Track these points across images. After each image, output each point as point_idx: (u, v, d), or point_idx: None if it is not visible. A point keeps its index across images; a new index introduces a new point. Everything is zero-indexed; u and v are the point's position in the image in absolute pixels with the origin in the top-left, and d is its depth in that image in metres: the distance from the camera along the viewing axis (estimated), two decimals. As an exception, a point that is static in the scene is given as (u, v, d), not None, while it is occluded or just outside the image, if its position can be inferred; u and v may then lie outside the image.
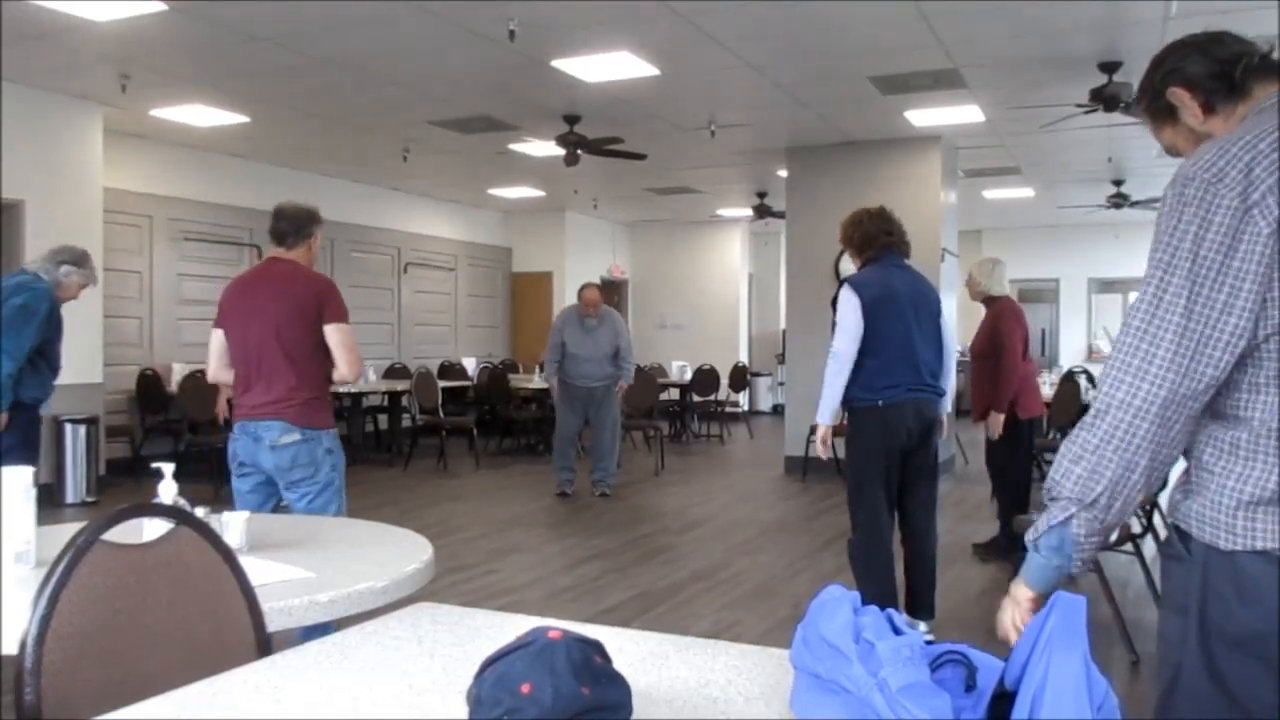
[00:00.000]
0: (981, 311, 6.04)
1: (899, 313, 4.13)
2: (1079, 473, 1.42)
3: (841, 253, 9.55)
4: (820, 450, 4.21)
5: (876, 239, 4.28)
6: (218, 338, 3.67)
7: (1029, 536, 1.51)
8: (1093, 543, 1.44)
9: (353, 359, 3.58)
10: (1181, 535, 1.46)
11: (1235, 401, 1.39)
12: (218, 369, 3.68)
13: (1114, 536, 1.52)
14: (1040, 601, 1.49)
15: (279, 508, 3.58)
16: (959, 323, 10.38)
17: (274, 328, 3.50)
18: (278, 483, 3.53)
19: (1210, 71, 1.59)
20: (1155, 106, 1.67)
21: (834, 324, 4.20)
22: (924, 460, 4.23)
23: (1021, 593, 1.51)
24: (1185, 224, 1.37)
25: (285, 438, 3.46)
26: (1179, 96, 1.62)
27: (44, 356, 4.73)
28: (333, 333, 3.54)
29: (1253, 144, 1.37)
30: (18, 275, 4.73)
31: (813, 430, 8.82)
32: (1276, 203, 1.32)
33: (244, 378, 3.57)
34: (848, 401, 4.23)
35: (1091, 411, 1.44)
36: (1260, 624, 1.34)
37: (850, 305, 4.11)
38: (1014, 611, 1.51)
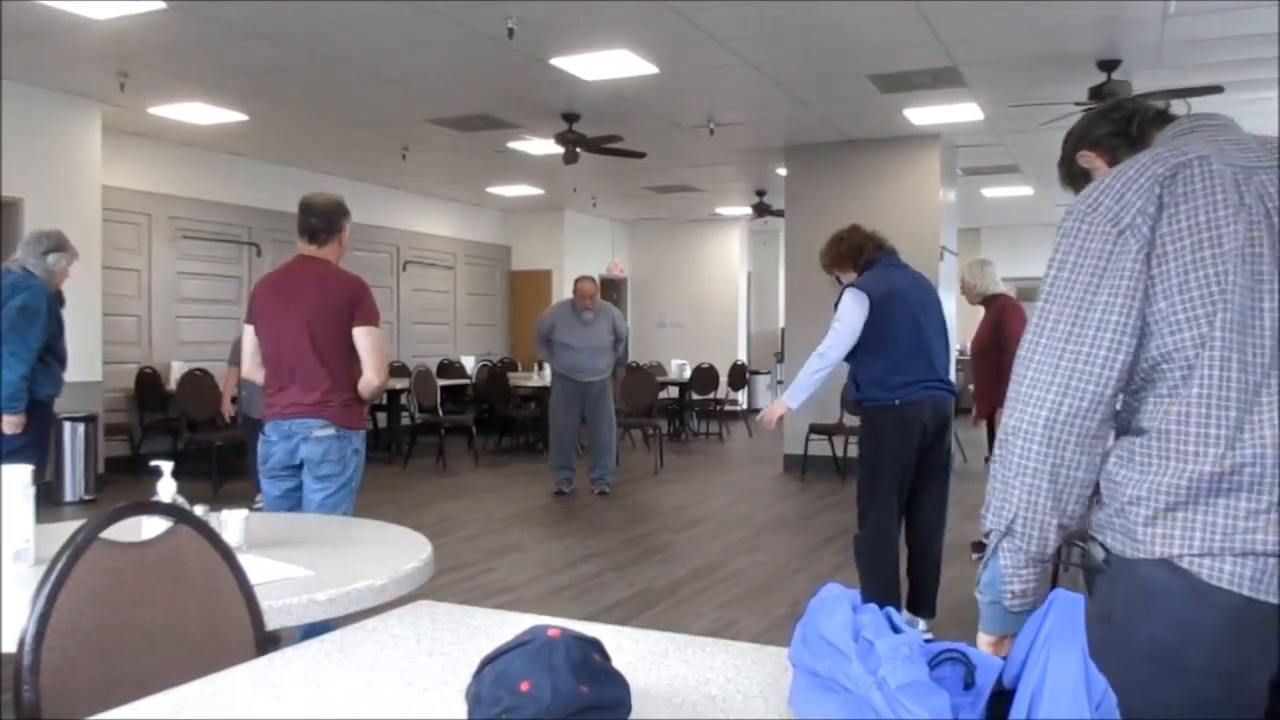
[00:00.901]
0: (981, 309, 6.04)
1: (907, 309, 4.12)
2: (995, 504, 1.48)
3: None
4: (767, 423, 4.31)
5: (864, 247, 4.29)
6: (250, 334, 3.66)
7: (976, 585, 1.55)
8: (1021, 576, 1.46)
9: (381, 364, 3.55)
10: (1104, 546, 1.48)
11: (1141, 415, 1.43)
12: (252, 367, 3.67)
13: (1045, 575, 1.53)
14: (1000, 646, 1.54)
15: None
16: (958, 322, 10.38)
17: (307, 329, 3.48)
18: (305, 474, 3.51)
19: (1111, 130, 1.72)
20: (1071, 173, 1.80)
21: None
22: (938, 458, 4.23)
23: (982, 640, 1.55)
24: (1063, 255, 1.47)
25: (321, 431, 3.46)
26: (1088, 159, 1.75)
27: (51, 352, 4.73)
28: (362, 336, 3.52)
29: (1124, 171, 1.45)
30: (7, 274, 4.69)
31: (814, 430, 8.90)
32: (1145, 221, 1.39)
33: (277, 377, 3.55)
34: (863, 401, 4.21)
35: (996, 443, 1.51)
36: (1163, 635, 1.36)
37: (855, 310, 4.07)
38: None
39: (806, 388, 4.18)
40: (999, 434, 1.49)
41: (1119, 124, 1.70)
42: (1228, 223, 1.37)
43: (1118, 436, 1.47)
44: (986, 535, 1.50)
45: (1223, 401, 1.34)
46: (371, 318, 3.55)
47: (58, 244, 4.77)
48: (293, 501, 3.55)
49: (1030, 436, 1.43)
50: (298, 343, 3.49)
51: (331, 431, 3.47)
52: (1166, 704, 1.35)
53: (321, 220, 3.63)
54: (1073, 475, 1.42)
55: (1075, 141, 1.77)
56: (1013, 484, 1.45)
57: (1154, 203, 1.40)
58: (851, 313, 4.09)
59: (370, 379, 3.53)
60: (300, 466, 3.51)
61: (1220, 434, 1.34)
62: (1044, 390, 1.42)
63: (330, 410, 3.47)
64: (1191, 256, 1.37)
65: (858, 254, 4.29)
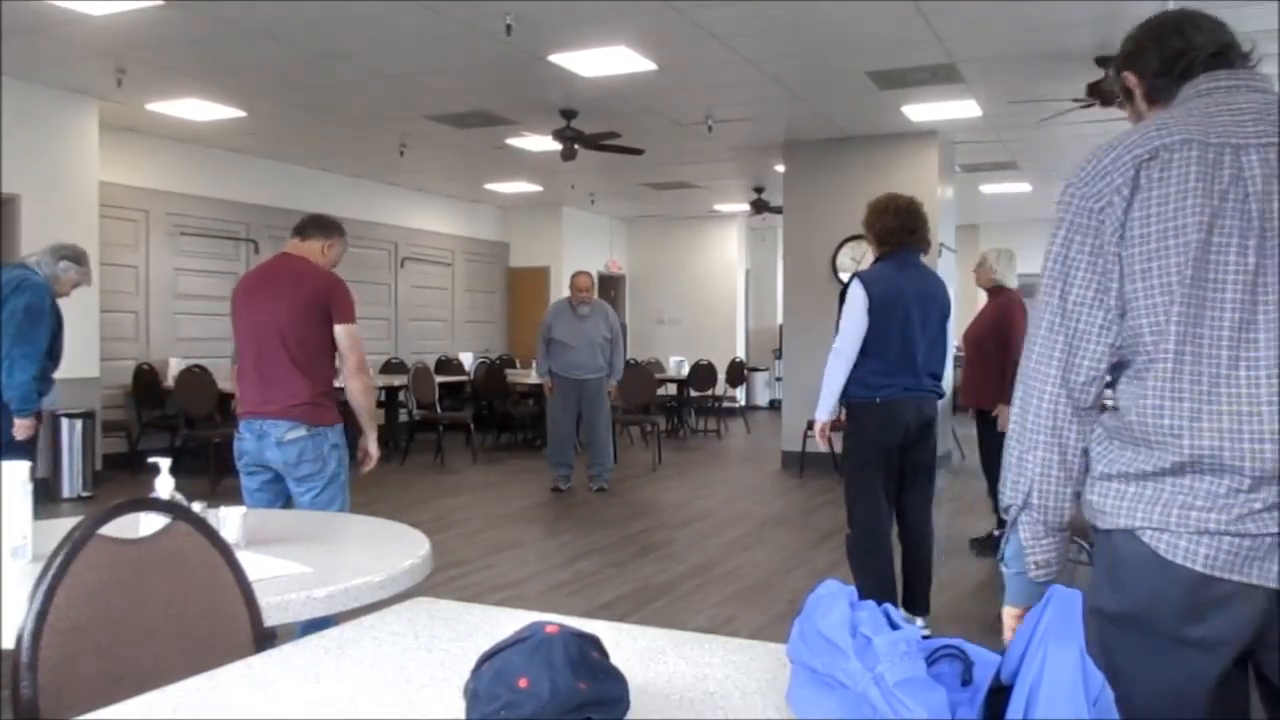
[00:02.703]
0: (982, 296, 6.06)
1: (904, 314, 4.12)
2: (1011, 478, 1.51)
3: (839, 248, 9.57)
4: (820, 441, 4.43)
5: (896, 234, 4.24)
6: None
7: (1001, 559, 1.59)
8: (1043, 545, 1.50)
9: (359, 364, 3.55)
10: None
11: (1116, 394, 1.48)
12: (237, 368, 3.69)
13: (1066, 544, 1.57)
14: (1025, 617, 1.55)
15: (287, 506, 3.56)
16: (957, 318, 10.39)
17: (279, 325, 3.47)
18: (285, 479, 3.51)
19: (1157, 64, 1.63)
20: (1122, 86, 1.74)
21: (838, 319, 4.19)
22: (922, 456, 4.24)
23: (1006, 612, 1.58)
24: (1057, 230, 1.49)
25: (291, 433, 3.44)
26: (1130, 81, 1.69)
27: (48, 350, 4.71)
28: (343, 335, 3.54)
29: (1111, 147, 1.46)
30: (13, 269, 4.67)
31: (810, 425, 8.88)
32: (1121, 202, 1.41)
33: (249, 373, 3.55)
34: (846, 397, 4.23)
35: (1010, 417, 1.54)
36: (1129, 602, 1.41)
37: (857, 304, 4.09)
38: (1009, 634, 1.58)
39: (831, 392, 4.16)
40: (1013, 408, 1.53)
41: (1168, 60, 1.60)
42: (1194, 213, 1.37)
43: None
44: (1006, 510, 1.53)
45: (1176, 394, 1.37)
46: (348, 315, 3.55)
47: (75, 257, 4.77)
48: (272, 494, 3.55)
49: (1039, 411, 1.47)
50: (271, 339, 3.49)
51: (302, 432, 3.45)
52: (1132, 667, 1.40)
53: (314, 220, 3.70)
54: (1079, 445, 1.46)
55: (1125, 57, 1.69)
56: (1026, 458, 1.48)
57: (1129, 184, 1.42)
58: (856, 304, 4.11)
59: (349, 385, 3.55)
60: (272, 466, 3.51)
61: (1177, 424, 1.37)
62: (1047, 365, 1.46)
63: (299, 410, 3.45)
64: (1156, 245, 1.38)
65: (884, 240, 4.26)
